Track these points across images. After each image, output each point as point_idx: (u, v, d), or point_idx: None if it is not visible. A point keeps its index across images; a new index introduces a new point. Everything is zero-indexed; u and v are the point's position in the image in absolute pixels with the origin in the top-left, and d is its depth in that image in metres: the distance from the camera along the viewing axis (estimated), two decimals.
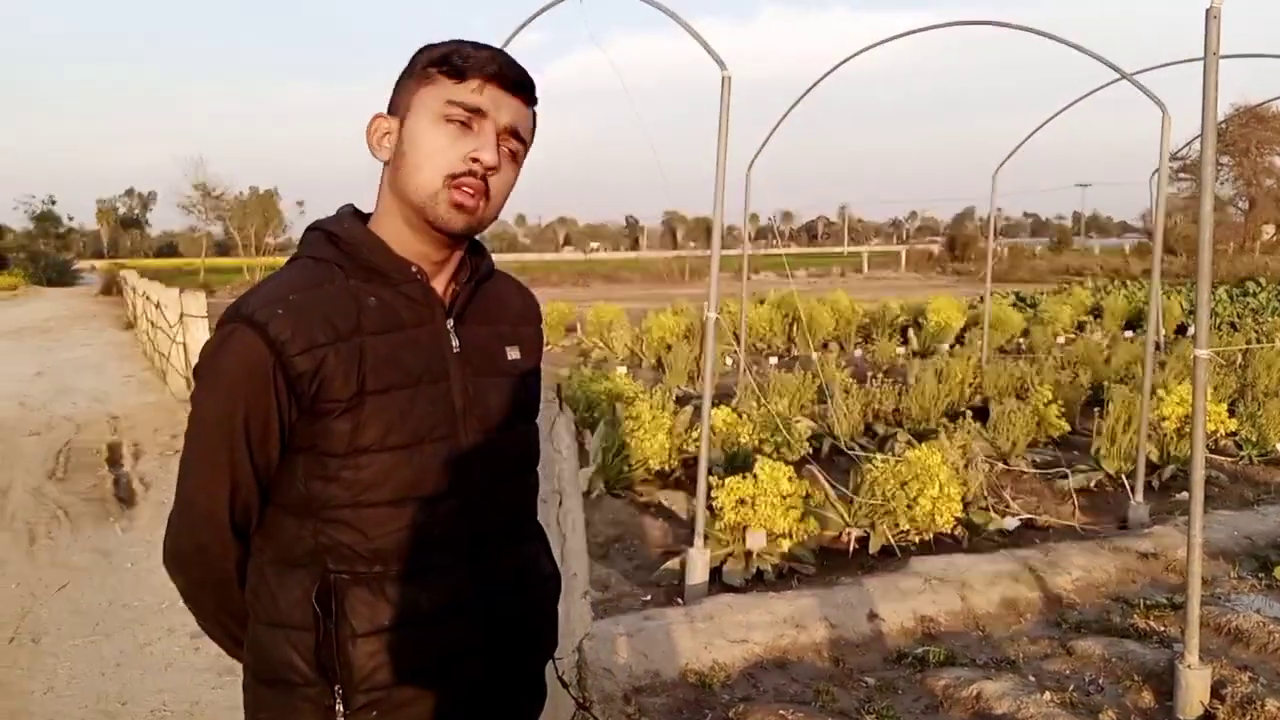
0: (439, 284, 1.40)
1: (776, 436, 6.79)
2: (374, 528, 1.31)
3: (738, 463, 6.37)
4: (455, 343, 1.39)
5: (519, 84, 1.33)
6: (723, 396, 9.21)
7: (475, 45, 1.33)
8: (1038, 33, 6.63)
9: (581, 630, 2.22)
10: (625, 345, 13.78)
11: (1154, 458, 6.69)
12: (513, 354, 1.47)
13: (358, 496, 1.30)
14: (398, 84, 1.36)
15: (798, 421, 7.51)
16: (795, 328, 14.78)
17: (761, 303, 16.28)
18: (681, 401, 8.57)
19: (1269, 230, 51.44)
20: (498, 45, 1.36)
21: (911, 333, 15.17)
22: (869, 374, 9.72)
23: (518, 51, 1.68)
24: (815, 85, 7.99)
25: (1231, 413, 7.60)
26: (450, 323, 1.39)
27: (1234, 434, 7.51)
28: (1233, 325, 14.66)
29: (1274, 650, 4.09)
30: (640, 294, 30.15)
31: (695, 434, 6.41)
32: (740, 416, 7.04)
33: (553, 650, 1.56)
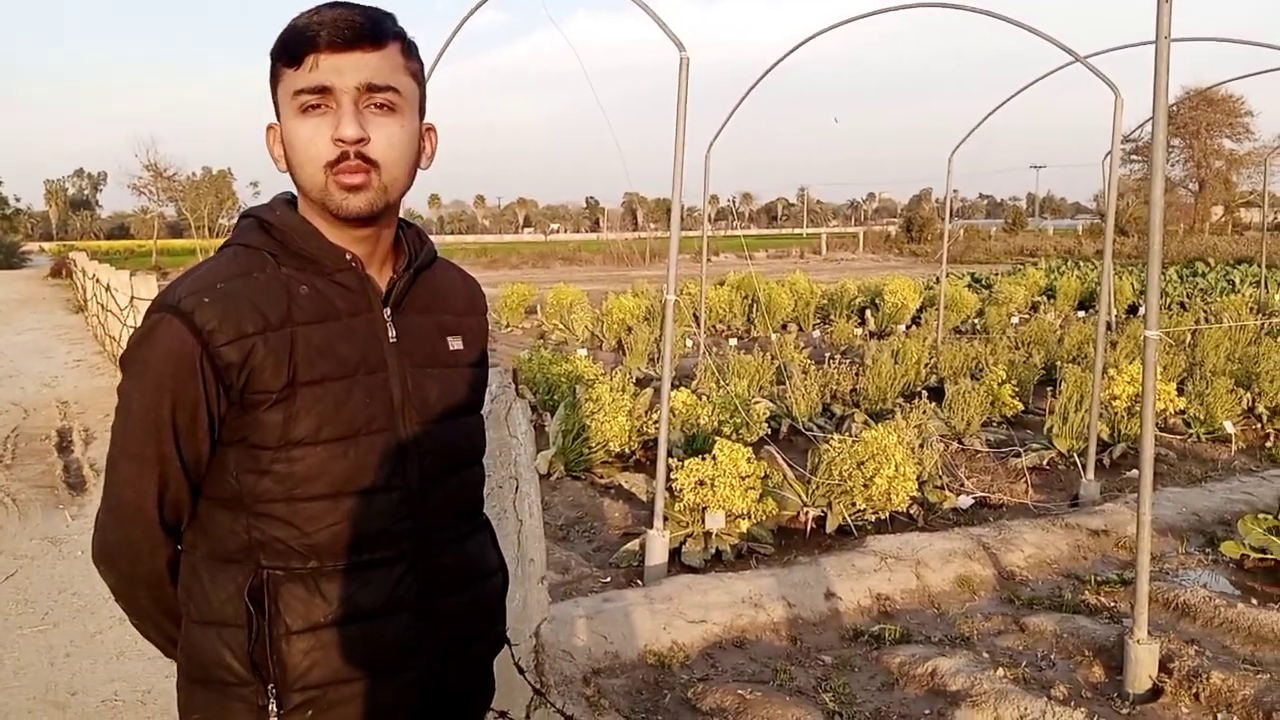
0: (376, 272, 1.36)
1: (735, 418, 6.81)
2: (309, 523, 1.27)
3: (697, 444, 6.39)
4: (392, 333, 1.35)
5: (354, 36, 1.24)
6: (683, 378, 9.23)
7: (309, 14, 1.25)
8: (992, 15, 6.68)
9: (539, 616, 2.21)
10: (585, 327, 13.74)
11: (1105, 436, 6.81)
12: (455, 344, 1.43)
13: (291, 491, 1.27)
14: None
15: (756, 402, 7.54)
16: (755, 309, 14.84)
17: (721, 284, 16.30)
18: (641, 383, 8.58)
19: (1218, 211, 52.48)
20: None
21: (869, 313, 15.30)
22: (827, 355, 9.79)
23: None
24: (773, 67, 7.99)
25: (1180, 391, 7.75)
26: (388, 312, 1.35)
27: (1182, 412, 7.66)
28: (1182, 305, 14.95)
29: (1219, 624, 4.19)
30: (601, 275, 30.09)
31: (655, 416, 6.42)
32: (700, 398, 7.06)
33: (500, 645, 1.54)
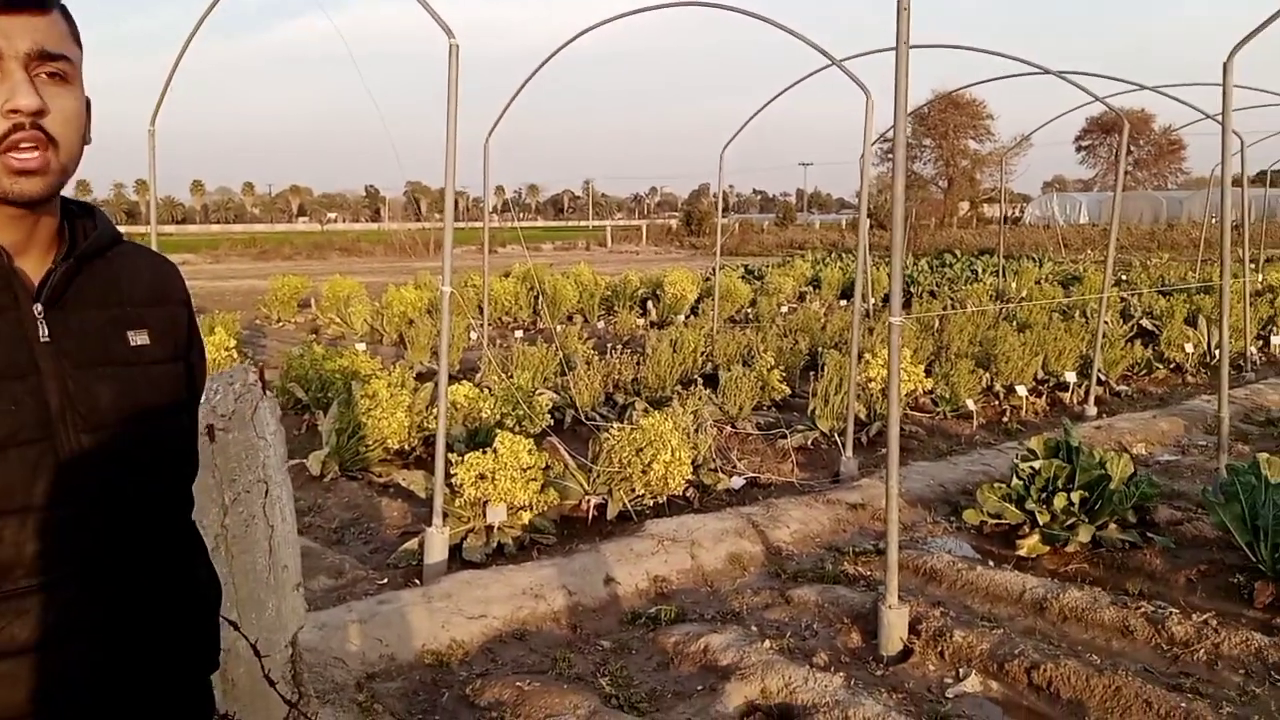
0: (30, 264, 1.21)
1: (518, 410, 6.80)
2: None
3: (480, 438, 6.32)
4: (43, 331, 1.19)
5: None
6: (467, 371, 9.13)
7: None
8: (755, 16, 6.96)
9: (294, 624, 2.12)
10: (365, 321, 13.30)
11: (862, 416, 7.28)
12: (138, 339, 1.29)
13: None
14: None
15: (540, 394, 7.56)
16: (540, 301, 14.86)
17: (507, 276, 16.22)
18: (424, 378, 8.40)
19: (964, 206, 57.25)
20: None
21: (650, 304, 15.66)
22: (610, 345, 9.93)
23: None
24: (549, 59, 8.01)
25: (929, 373, 8.40)
26: (38, 308, 1.20)
27: (931, 392, 8.31)
28: (932, 293, 16.18)
29: (962, 586, 4.58)
30: (382, 267, 29.23)
31: (436, 411, 6.30)
32: (482, 391, 6.99)
33: (213, 665, 1.43)
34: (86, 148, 1.25)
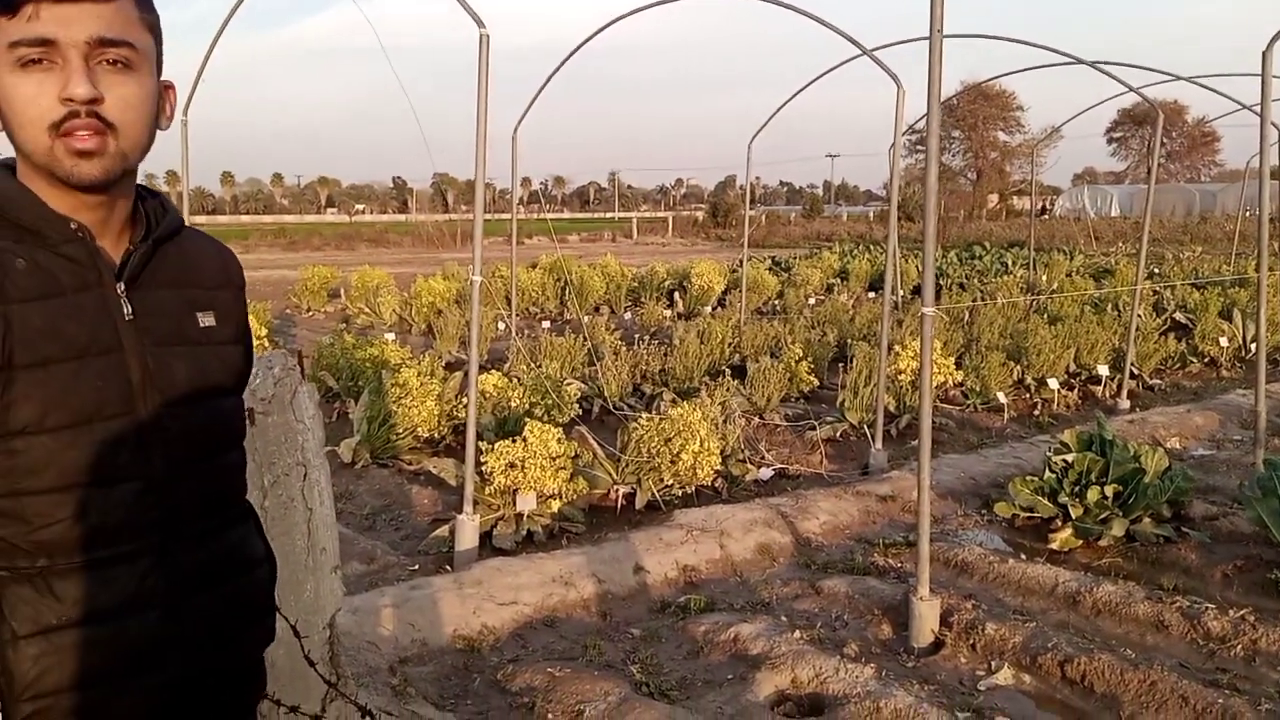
0: (110, 244, 1.25)
1: (547, 399, 6.81)
2: (37, 518, 1.17)
3: (509, 427, 6.34)
4: (128, 309, 1.24)
5: None
6: (496, 361, 9.17)
7: None
8: (782, 4, 6.92)
9: (332, 607, 2.14)
10: (393, 311, 13.39)
11: (892, 408, 7.24)
12: (206, 320, 1.34)
13: (16, 484, 1.16)
14: None
15: (569, 384, 7.57)
16: (567, 292, 14.88)
17: (534, 267, 16.26)
18: (452, 367, 8.46)
19: (993, 199, 56.65)
20: None
21: (677, 296, 15.64)
22: (637, 336, 9.94)
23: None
24: (577, 50, 8.01)
25: (959, 365, 8.34)
26: (121, 287, 1.24)
27: (961, 384, 8.25)
28: (961, 285, 16.06)
29: (993, 579, 4.55)
30: (409, 258, 29.37)
31: (465, 399, 6.33)
32: (511, 380, 7.02)
33: (269, 637, 1.47)
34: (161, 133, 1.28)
